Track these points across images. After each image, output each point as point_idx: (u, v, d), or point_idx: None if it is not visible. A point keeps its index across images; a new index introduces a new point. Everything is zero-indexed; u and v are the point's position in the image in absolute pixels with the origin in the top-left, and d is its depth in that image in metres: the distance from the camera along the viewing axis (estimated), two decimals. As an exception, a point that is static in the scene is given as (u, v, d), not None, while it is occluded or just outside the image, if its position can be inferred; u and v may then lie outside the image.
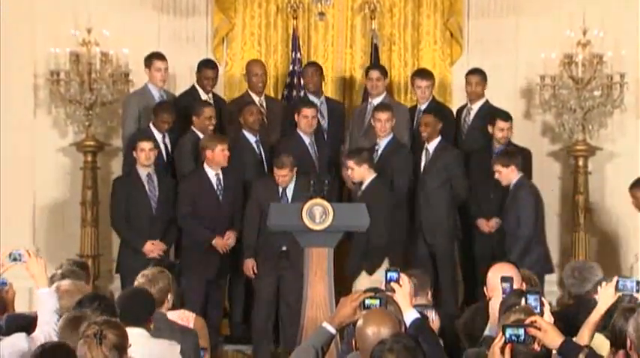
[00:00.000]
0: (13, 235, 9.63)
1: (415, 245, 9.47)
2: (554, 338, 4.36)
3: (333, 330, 4.82)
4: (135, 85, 10.11)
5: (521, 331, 4.31)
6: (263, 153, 9.52)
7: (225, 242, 9.03)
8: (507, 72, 10.49)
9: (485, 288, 5.74)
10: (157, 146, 9.20)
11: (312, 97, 9.99)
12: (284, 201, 8.81)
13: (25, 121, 10.41)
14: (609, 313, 4.99)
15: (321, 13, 9.46)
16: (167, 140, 9.49)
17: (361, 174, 8.94)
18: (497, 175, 9.02)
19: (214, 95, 10.07)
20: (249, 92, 10.01)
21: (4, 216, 9.95)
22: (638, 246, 9.40)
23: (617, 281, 5.09)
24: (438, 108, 9.84)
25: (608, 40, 10.14)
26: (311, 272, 7.70)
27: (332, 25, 10.75)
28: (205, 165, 9.09)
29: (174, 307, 6.28)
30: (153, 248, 8.96)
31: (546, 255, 9.06)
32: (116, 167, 10.25)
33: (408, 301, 5.20)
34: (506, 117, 9.62)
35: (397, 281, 5.19)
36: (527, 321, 4.38)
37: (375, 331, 4.52)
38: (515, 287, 5.43)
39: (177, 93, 10.19)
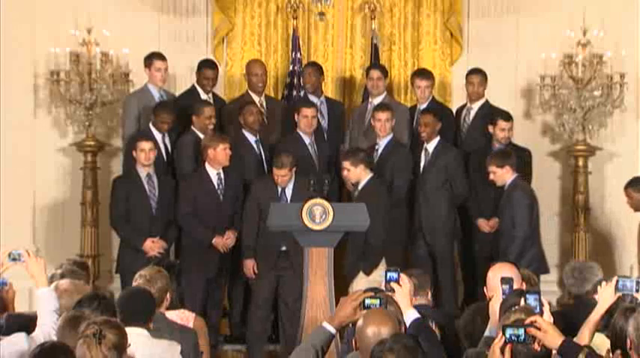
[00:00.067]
0: (13, 235, 9.63)
1: (415, 245, 9.47)
2: (554, 338, 4.36)
3: (333, 330, 4.82)
4: (135, 85, 10.11)
5: (522, 331, 4.31)
6: (263, 153, 9.52)
7: (225, 241, 9.03)
8: (507, 72, 10.49)
9: (485, 288, 5.74)
10: (156, 146, 9.20)
11: (311, 97, 10.00)
12: (283, 201, 8.81)
13: (25, 121, 10.40)
14: (610, 313, 4.99)
15: (321, 13, 9.45)
16: (167, 140, 9.48)
17: (357, 174, 8.94)
18: (491, 176, 9.01)
19: (214, 95, 10.07)
20: (249, 92, 10.01)
21: (4, 216, 9.95)
22: (633, 248, 9.40)
23: (617, 281, 5.09)
24: (437, 108, 9.84)
25: (608, 40, 10.14)
26: (311, 272, 7.69)
27: (332, 25, 10.75)
28: (207, 165, 9.09)
29: (174, 307, 6.29)
30: (152, 245, 8.96)
31: (541, 256, 9.05)
32: (116, 167, 10.25)
33: (408, 301, 5.20)
34: (508, 117, 9.63)
35: (397, 281, 5.19)
36: (528, 321, 4.38)
37: (375, 331, 4.51)
38: (515, 287, 5.43)
39: (177, 94, 10.19)
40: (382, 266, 8.69)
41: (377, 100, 9.90)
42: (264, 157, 9.50)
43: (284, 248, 8.85)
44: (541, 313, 4.68)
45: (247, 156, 9.43)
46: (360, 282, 8.52)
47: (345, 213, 7.84)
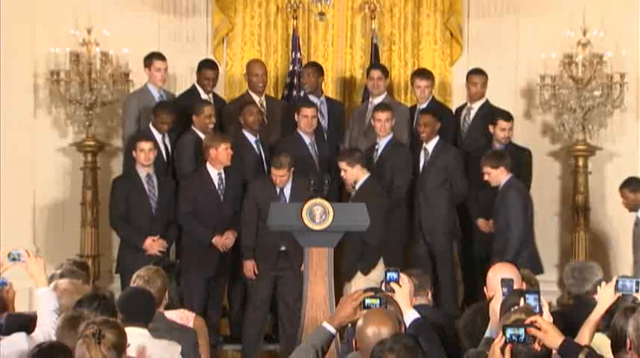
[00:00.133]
0: (13, 235, 9.63)
1: (415, 244, 9.47)
2: (554, 338, 4.36)
3: (333, 330, 4.81)
4: (135, 85, 10.11)
5: (522, 331, 4.31)
6: (263, 153, 9.52)
7: (224, 241, 9.03)
8: (507, 72, 10.49)
9: (485, 288, 5.74)
10: (156, 146, 9.19)
11: (312, 97, 10.00)
12: (282, 201, 8.81)
13: (25, 121, 10.40)
14: (611, 313, 4.99)
15: (321, 13, 9.45)
16: (167, 140, 9.48)
17: (354, 174, 8.94)
18: (486, 176, 9.01)
19: (214, 95, 10.07)
20: (250, 92, 10.01)
21: (4, 216, 9.95)
22: (628, 248, 9.41)
23: (617, 281, 5.08)
24: (436, 108, 9.84)
25: (608, 40, 10.14)
26: (311, 272, 7.69)
27: (332, 25, 10.75)
28: (208, 165, 9.09)
29: (174, 307, 6.28)
30: (153, 244, 8.96)
31: (535, 256, 9.04)
32: (116, 167, 10.25)
33: (408, 301, 5.20)
34: (508, 117, 9.63)
35: (397, 281, 5.19)
36: (528, 321, 4.38)
37: (375, 331, 4.51)
38: (515, 287, 5.43)
39: (177, 94, 10.19)
40: (380, 265, 8.70)
41: (377, 100, 9.90)
42: (264, 157, 9.50)
43: (283, 248, 8.84)
44: (540, 313, 4.68)
45: (247, 156, 9.42)
46: (358, 282, 8.52)
47: (345, 213, 7.83)
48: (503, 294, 5.28)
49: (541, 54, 10.26)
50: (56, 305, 5.39)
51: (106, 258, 10.19)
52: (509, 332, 4.31)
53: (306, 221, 7.66)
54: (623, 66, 10.20)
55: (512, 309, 4.74)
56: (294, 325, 8.15)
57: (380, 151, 9.46)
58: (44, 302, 5.38)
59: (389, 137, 9.48)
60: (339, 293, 7.99)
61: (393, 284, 5.18)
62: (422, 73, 10.05)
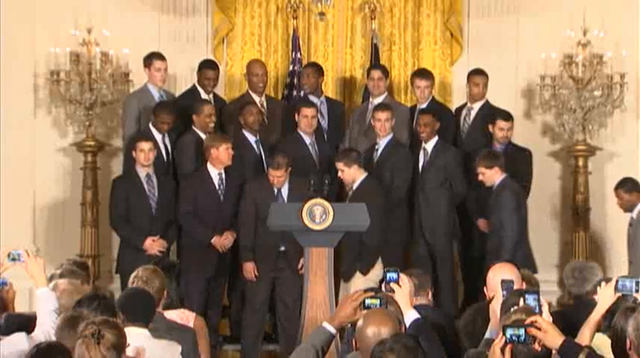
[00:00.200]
0: (13, 235, 9.63)
1: (415, 244, 9.47)
2: (554, 338, 4.35)
3: (333, 330, 4.81)
4: (135, 85, 10.11)
5: (522, 331, 4.30)
6: (263, 154, 9.51)
7: (223, 241, 9.02)
8: (507, 72, 10.49)
9: (485, 289, 5.73)
10: (156, 146, 9.19)
11: (312, 97, 10.00)
12: (279, 202, 8.80)
13: (25, 121, 10.40)
14: (612, 313, 4.98)
15: (321, 13, 9.43)
16: (167, 140, 9.48)
17: (352, 175, 8.94)
18: (480, 176, 9.01)
19: (215, 95, 10.07)
20: (250, 92, 10.01)
21: (4, 216, 9.95)
22: (623, 249, 9.41)
23: (617, 281, 5.08)
24: (436, 108, 9.84)
25: (608, 40, 10.14)
26: (311, 272, 7.69)
27: (332, 25, 10.74)
28: (208, 165, 9.08)
29: (174, 307, 6.28)
30: (153, 244, 8.96)
31: (529, 256, 9.03)
32: (116, 167, 10.25)
33: (408, 301, 5.20)
34: (507, 116, 9.63)
35: (397, 281, 5.19)
36: (528, 321, 4.38)
37: (375, 331, 4.51)
38: (515, 287, 5.42)
39: (177, 94, 10.20)
40: (379, 265, 8.70)
41: (378, 100, 9.90)
42: (264, 157, 9.49)
43: (282, 248, 8.84)
44: (540, 313, 4.67)
45: (247, 157, 9.42)
46: (357, 282, 8.52)
47: (345, 213, 7.83)
48: (503, 295, 5.28)
49: (541, 54, 10.26)
50: (56, 305, 5.39)
51: (106, 258, 10.19)
52: (509, 332, 4.31)
53: (306, 221, 7.66)
54: (623, 66, 10.20)
55: (512, 309, 4.73)
56: (293, 325, 8.15)
57: (380, 151, 9.47)
58: (44, 302, 5.38)
59: (389, 137, 9.48)
60: (338, 293, 7.99)
61: (393, 285, 5.17)
62: (422, 73, 10.05)
